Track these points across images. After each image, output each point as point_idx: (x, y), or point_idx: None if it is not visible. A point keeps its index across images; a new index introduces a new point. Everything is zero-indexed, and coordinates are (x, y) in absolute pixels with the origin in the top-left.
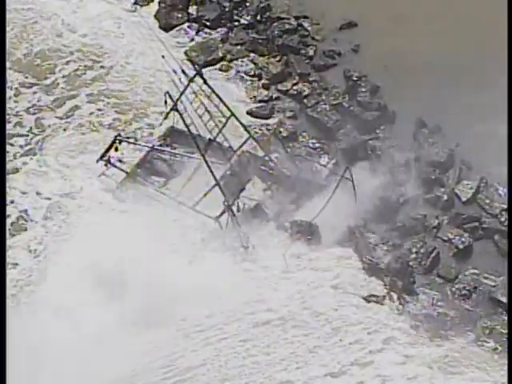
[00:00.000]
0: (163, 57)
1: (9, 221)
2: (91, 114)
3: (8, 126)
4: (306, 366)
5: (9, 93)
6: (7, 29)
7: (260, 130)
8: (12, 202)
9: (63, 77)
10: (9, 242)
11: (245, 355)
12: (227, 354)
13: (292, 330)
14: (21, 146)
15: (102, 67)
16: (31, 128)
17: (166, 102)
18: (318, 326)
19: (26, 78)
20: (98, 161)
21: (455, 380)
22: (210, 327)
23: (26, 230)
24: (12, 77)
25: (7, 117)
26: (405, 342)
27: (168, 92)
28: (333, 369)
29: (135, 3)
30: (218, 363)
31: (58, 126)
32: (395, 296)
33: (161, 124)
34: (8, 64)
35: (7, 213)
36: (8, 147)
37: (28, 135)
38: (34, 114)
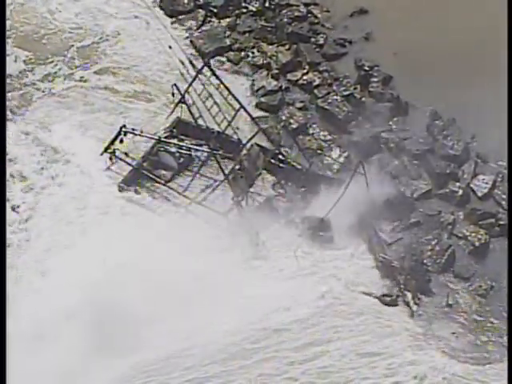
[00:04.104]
0: (170, 47)
1: None
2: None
3: None
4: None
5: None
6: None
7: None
8: None
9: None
10: None
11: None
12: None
13: (304, 331)
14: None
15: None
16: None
17: (173, 94)
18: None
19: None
20: (102, 153)
21: None
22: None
23: None
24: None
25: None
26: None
27: (175, 84)
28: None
29: None
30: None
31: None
32: (409, 295)
33: (167, 118)
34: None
35: None
36: None
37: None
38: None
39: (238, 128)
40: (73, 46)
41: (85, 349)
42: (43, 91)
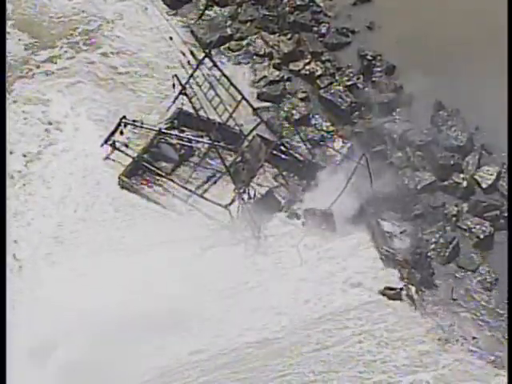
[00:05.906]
0: (171, 38)
1: None
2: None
3: None
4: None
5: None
6: None
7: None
8: None
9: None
10: None
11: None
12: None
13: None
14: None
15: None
16: None
17: (174, 85)
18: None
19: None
20: (102, 145)
21: None
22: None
23: None
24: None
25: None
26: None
27: (176, 75)
28: None
29: None
30: None
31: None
32: (413, 289)
33: (168, 110)
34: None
35: None
36: None
37: None
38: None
39: (242, 125)
40: (77, 28)
41: None
42: (46, 72)
